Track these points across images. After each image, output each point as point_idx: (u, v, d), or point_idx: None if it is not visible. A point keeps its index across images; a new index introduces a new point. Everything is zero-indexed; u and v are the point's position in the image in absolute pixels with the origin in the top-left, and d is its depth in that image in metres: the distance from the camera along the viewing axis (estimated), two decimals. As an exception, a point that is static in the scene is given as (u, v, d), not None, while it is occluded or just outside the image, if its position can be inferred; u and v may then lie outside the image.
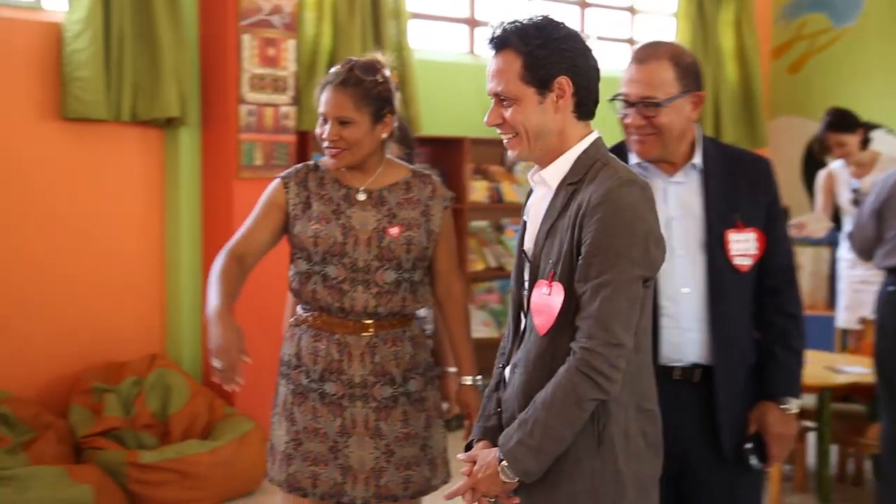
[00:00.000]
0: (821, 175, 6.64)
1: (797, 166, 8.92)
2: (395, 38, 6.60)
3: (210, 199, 5.82)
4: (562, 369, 2.24)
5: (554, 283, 2.31)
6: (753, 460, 2.87)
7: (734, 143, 8.41)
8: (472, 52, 7.46)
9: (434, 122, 6.75)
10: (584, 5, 8.18)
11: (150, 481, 5.00)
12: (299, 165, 3.24)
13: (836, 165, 6.49)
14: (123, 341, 5.69)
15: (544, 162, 2.41)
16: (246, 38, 5.77)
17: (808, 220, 6.63)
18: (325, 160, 3.18)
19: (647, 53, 2.85)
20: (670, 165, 2.88)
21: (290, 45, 5.96)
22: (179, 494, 5.04)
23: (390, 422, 3.11)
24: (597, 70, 2.39)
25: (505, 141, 2.42)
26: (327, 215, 3.10)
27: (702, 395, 2.84)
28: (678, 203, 2.86)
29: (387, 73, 3.12)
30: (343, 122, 3.04)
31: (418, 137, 6.53)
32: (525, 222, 2.50)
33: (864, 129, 6.32)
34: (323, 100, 3.07)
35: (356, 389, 3.09)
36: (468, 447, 2.53)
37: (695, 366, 2.85)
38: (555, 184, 2.38)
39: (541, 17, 2.36)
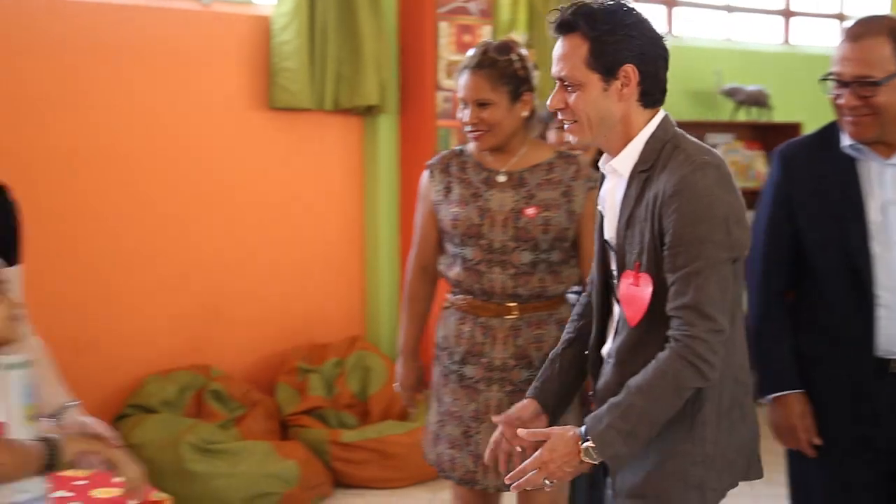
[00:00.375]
0: None
1: None
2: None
3: (408, 185, 5.84)
4: (662, 356, 2.20)
5: (641, 275, 2.27)
6: None
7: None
8: (669, 32, 7.29)
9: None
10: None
11: (352, 460, 5.12)
12: (445, 152, 3.28)
13: None
14: (326, 323, 5.85)
15: (612, 150, 2.35)
16: (443, 26, 5.82)
17: None
18: (472, 145, 3.19)
19: (862, 30, 2.68)
20: (887, 147, 2.72)
21: (486, 31, 5.98)
22: (378, 474, 5.14)
23: None
24: (665, 58, 2.32)
25: (565, 126, 2.36)
26: (466, 198, 3.12)
27: None
28: None
29: (522, 52, 3.11)
30: (482, 104, 3.04)
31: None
32: (601, 213, 2.46)
33: None
34: (461, 84, 3.09)
35: (495, 373, 3.10)
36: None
37: None
38: (626, 172, 2.33)
39: (612, 2, 2.28)
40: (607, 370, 2.40)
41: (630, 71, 2.25)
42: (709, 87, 6.77)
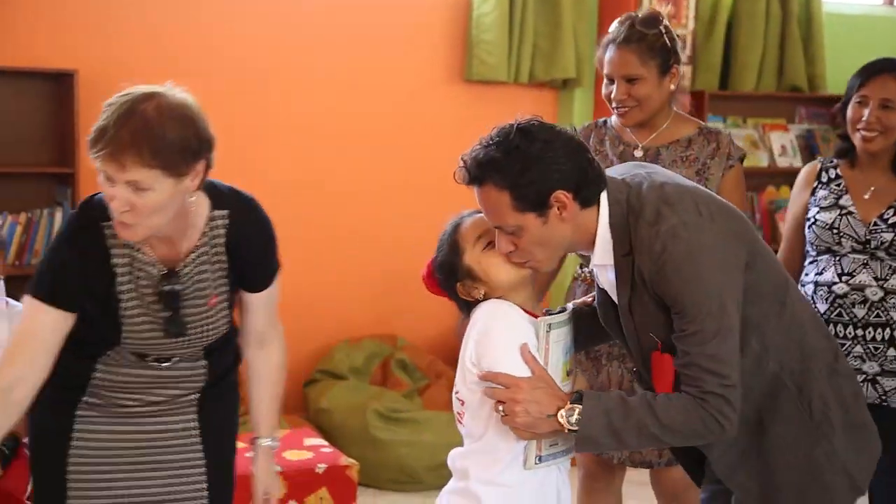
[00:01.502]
0: None
1: None
2: (803, -7, 6.27)
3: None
4: (690, 400, 2.12)
5: (664, 356, 2.19)
6: None
7: None
8: (890, 3, 6.94)
9: (842, 80, 6.35)
10: None
11: None
12: (587, 123, 3.26)
13: None
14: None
15: (584, 250, 2.28)
16: (645, 1, 5.69)
17: None
18: (613, 120, 3.15)
19: None
20: None
21: (691, 1, 5.81)
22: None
23: None
24: (584, 153, 2.19)
25: (522, 263, 2.22)
26: None
27: None
28: None
29: (668, 24, 3.03)
30: (630, 80, 2.98)
31: (824, 96, 6.27)
32: (602, 290, 2.35)
33: None
34: (607, 59, 3.04)
35: (614, 349, 3.06)
36: None
37: None
38: (611, 261, 2.21)
39: (510, 136, 2.14)
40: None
41: (561, 196, 2.13)
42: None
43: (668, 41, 3.01)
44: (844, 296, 3.13)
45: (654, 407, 2.13)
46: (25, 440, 3.52)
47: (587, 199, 2.18)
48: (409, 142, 5.58)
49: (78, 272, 2.33)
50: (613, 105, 3.07)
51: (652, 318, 2.19)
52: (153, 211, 2.21)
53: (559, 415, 2.14)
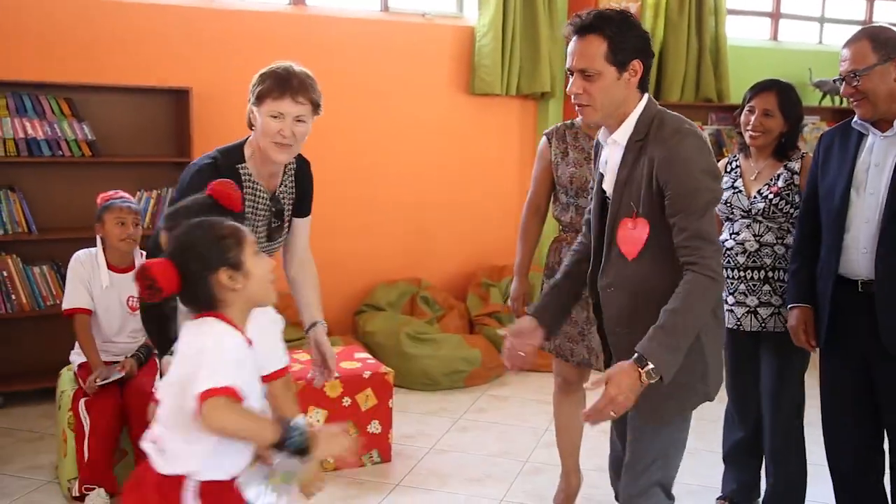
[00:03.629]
0: None
1: None
2: (714, 29, 6.18)
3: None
4: (687, 280, 2.04)
5: (639, 220, 2.12)
6: None
7: None
8: (774, 38, 6.86)
9: (741, 93, 6.29)
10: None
11: None
12: (559, 124, 3.15)
13: None
14: (502, 251, 5.76)
15: (612, 126, 2.18)
16: (601, 33, 5.61)
17: None
18: (580, 120, 3.05)
19: (852, 37, 2.65)
20: (887, 123, 2.62)
21: (633, 36, 5.74)
22: (539, 361, 5.03)
23: None
24: (653, 54, 2.19)
25: (578, 108, 2.16)
26: (580, 161, 3.02)
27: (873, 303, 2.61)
28: (881, 154, 2.63)
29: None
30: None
31: (729, 105, 6.22)
32: (601, 174, 2.27)
33: None
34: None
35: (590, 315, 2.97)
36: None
37: (871, 280, 2.61)
38: (624, 142, 2.16)
39: (620, 10, 2.11)
40: (608, 297, 2.22)
41: (637, 65, 2.12)
42: (802, 81, 6.35)
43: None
44: (730, 249, 3.12)
45: (678, 310, 2.02)
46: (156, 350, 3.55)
47: (643, 84, 2.15)
48: (428, 138, 5.53)
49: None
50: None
51: (637, 192, 2.12)
52: (303, 136, 2.44)
53: (642, 380, 1.99)
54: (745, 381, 3.21)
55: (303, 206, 2.69)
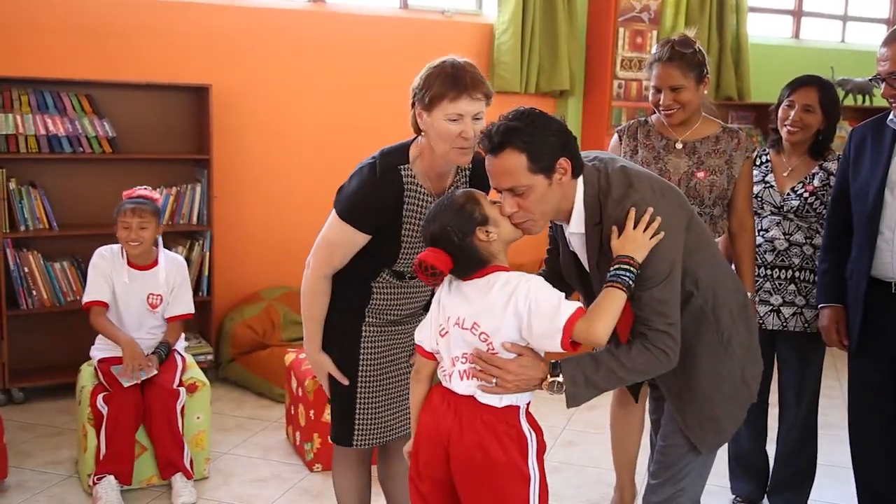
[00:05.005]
0: None
1: None
2: (735, 27, 6.13)
3: (588, 148, 5.67)
4: (636, 348, 1.97)
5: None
6: None
7: None
8: (795, 36, 6.78)
9: (762, 91, 6.25)
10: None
11: None
12: (631, 121, 3.05)
13: None
14: (521, 250, 5.48)
15: (563, 219, 2.08)
16: (621, 30, 5.57)
17: None
18: (654, 118, 2.97)
19: (892, 35, 2.56)
20: None
21: (654, 34, 5.69)
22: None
23: None
24: (575, 138, 2.03)
25: (521, 223, 2.01)
26: (648, 160, 2.91)
27: None
28: None
29: (699, 44, 2.84)
30: (675, 89, 2.80)
31: (749, 104, 6.16)
32: (571, 252, 2.18)
33: None
34: (655, 74, 2.83)
35: None
36: None
37: None
38: (582, 230, 2.06)
39: (525, 112, 1.99)
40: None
41: (564, 163, 1.97)
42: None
43: (700, 58, 2.84)
44: (759, 245, 3.08)
45: (617, 356, 1.98)
46: (175, 346, 3.55)
47: (576, 170, 2.02)
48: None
49: (381, 205, 2.30)
50: (661, 109, 2.88)
51: None
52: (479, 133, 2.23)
53: (544, 385, 1.97)
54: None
55: None
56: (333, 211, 2.35)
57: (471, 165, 2.39)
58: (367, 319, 2.46)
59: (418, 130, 2.34)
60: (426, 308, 2.50)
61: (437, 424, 2.06)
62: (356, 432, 2.52)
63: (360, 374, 2.48)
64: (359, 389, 2.49)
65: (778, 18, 6.75)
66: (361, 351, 2.47)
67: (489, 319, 1.97)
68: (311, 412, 3.58)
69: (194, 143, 4.75)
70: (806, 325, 3.06)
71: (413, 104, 2.31)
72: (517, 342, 1.97)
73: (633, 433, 3.17)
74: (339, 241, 2.35)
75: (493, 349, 1.98)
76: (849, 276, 2.73)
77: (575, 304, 1.93)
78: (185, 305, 3.57)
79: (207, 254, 4.64)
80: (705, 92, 2.88)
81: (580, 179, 2.04)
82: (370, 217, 2.31)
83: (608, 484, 3.39)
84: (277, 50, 4.96)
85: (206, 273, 4.65)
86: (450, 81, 2.21)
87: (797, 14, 6.77)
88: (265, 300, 4.81)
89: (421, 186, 2.34)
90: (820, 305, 2.85)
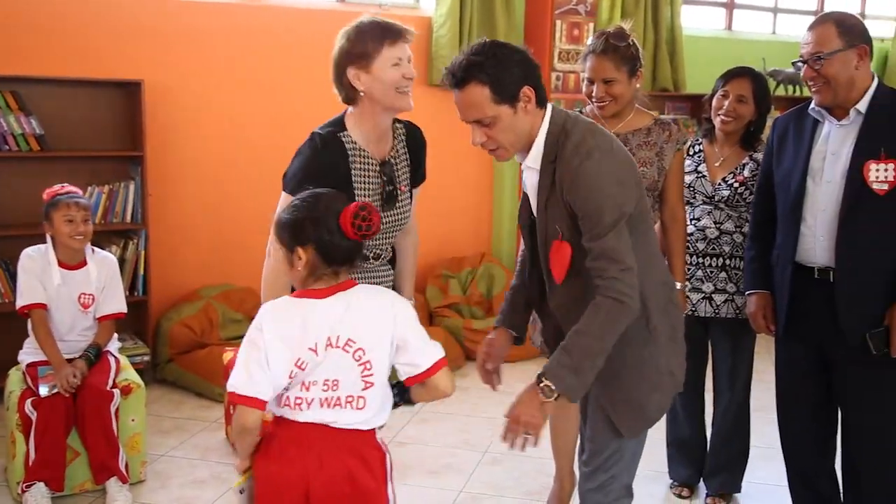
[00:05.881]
0: None
1: None
2: (669, 20, 6.20)
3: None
4: (594, 303, 1.97)
5: (562, 243, 2.06)
6: (874, 346, 2.54)
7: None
8: (728, 28, 6.90)
9: (697, 82, 6.34)
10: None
11: (478, 341, 4.90)
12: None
13: None
14: (463, 242, 5.80)
15: (524, 151, 2.10)
16: (558, 23, 5.60)
17: None
18: (588, 109, 2.97)
19: (816, 20, 2.61)
20: (843, 111, 2.59)
21: (590, 27, 5.73)
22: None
23: None
24: (537, 66, 2.06)
25: (490, 151, 2.09)
26: None
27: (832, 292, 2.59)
28: (837, 142, 2.61)
29: (634, 38, 2.84)
30: (607, 81, 2.81)
31: (684, 95, 6.25)
32: (526, 195, 2.22)
33: None
34: (589, 66, 2.84)
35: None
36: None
37: (828, 268, 2.60)
38: (538, 165, 2.09)
39: (487, 46, 2.02)
40: (563, 314, 2.17)
41: (528, 91, 2.01)
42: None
43: (634, 51, 2.84)
44: (691, 234, 3.12)
45: (579, 329, 1.98)
46: (106, 348, 3.46)
47: (541, 101, 2.05)
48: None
49: (328, 172, 2.29)
50: (594, 101, 2.88)
51: (559, 214, 2.06)
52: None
53: (542, 399, 1.98)
54: (692, 367, 3.22)
55: (418, 173, 2.58)
56: (283, 193, 2.34)
57: (405, 130, 2.50)
58: None
59: (349, 101, 2.40)
60: None
61: (285, 471, 1.89)
62: None
63: None
64: None
65: (711, 11, 6.86)
66: None
67: (367, 337, 1.91)
68: (250, 411, 3.53)
69: (127, 140, 4.64)
70: (737, 311, 3.11)
71: (342, 74, 2.36)
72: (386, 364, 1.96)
73: (571, 423, 3.19)
74: None
75: (369, 370, 1.92)
76: (774, 262, 2.78)
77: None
78: (117, 304, 3.49)
79: (143, 252, 4.54)
80: (638, 85, 2.88)
81: (547, 117, 2.07)
82: (318, 184, 2.28)
83: (549, 474, 3.41)
84: (213, 44, 4.87)
85: (141, 272, 4.55)
86: (381, 32, 2.31)
87: (730, 6, 6.88)
88: (203, 298, 4.73)
89: (364, 150, 2.37)
90: (747, 292, 2.90)
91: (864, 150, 2.52)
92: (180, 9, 4.78)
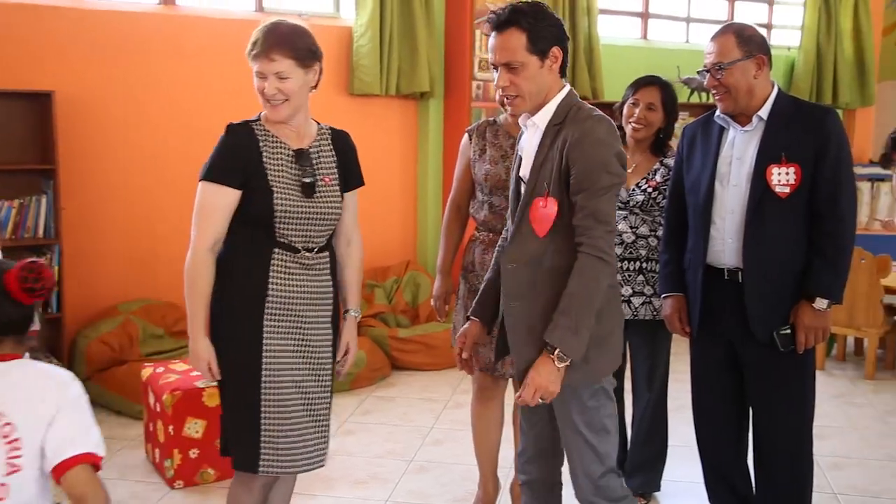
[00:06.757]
0: (894, 178, 5.68)
1: (898, 119, 8.23)
2: (587, 29, 6.32)
3: (449, 149, 5.77)
4: (578, 262, 2.14)
5: (549, 198, 2.20)
6: (781, 344, 2.64)
7: (847, 103, 7.82)
8: (643, 37, 7.07)
9: (614, 90, 6.48)
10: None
11: (405, 350, 5.11)
12: (481, 121, 3.09)
13: None
14: (388, 251, 5.80)
15: (533, 110, 2.26)
16: (478, 33, 5.65)
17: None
18: (503, 117, 3.02)
19: (718, 31, 2.71)
20: (747, 118, 2.69)
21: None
22: (424, 360, 5.13)
23: None
24: (568, 40, 2.27)
25: (507, 100, 2.26)
26: (496, 159, 2.95)
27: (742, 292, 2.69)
28: (742, 147, 2.71)
29: None
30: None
31: (603, 102, 6.37)
32: (520, 156, 2.35)
33: None
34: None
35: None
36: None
37: (737, 269, 2.70)
38: (543, 125, 2.24)
39: (535, 2, 2.22)
40: (509, 274, 2.28)
41: (557, 51, 2.21)
42: (671, 78, 6.56)
43: None
44: (620, 234, 3.20)
45: (571, 294, 2.13)
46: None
47: (564, 68, 2.24)
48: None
49: (239, 155, 2.34)
50: (507, 108, 2.91)
51: (549, 173, 2.20)
52: (294, 90, 2.34)
53: (555, 364, 2.14)
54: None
55: (350, 175, 2.54)
56: (199, 182, 2.35)
57: (330, 132, 2.50)
58: (268, 308, 2.32)
59: None
60: (334, 318, 2.46)
61: None
62: (263, 454, 2.34)
63: (263, 378, 2.32)
64: (263, 399, 2.32)
65: (627, 21, 7.02)
66: (265, 353, 2.31)
67: (18, 413, 1.67)
68: (171, 427, 3.47)
69: (37, 153, 4.50)
70: (654, 313, 3.19)
71: None
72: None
73: (494, 428, 3.23)
74: (211, 205, 2.33)
75: (18, 451, 1.68)
76: (687, 265, 2.87)
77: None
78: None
79: (57, 268, 4.41)
80: None
81: (566, 89, 2.25)
82: (231, 168, 2.34)
83: (474, 480, 3.44)
84: (127, 54, 4.77)
85: (55, 289, 4.42)
86: (256, 41, 2.34)
87: (644, 16, 7.05)
88: (122, 314, 4.62)
89: (276, 138, 2.38)
90: (663, 296, 2.98)
91: (767, 155, 2.62)
92: (93, 18, 4.67)
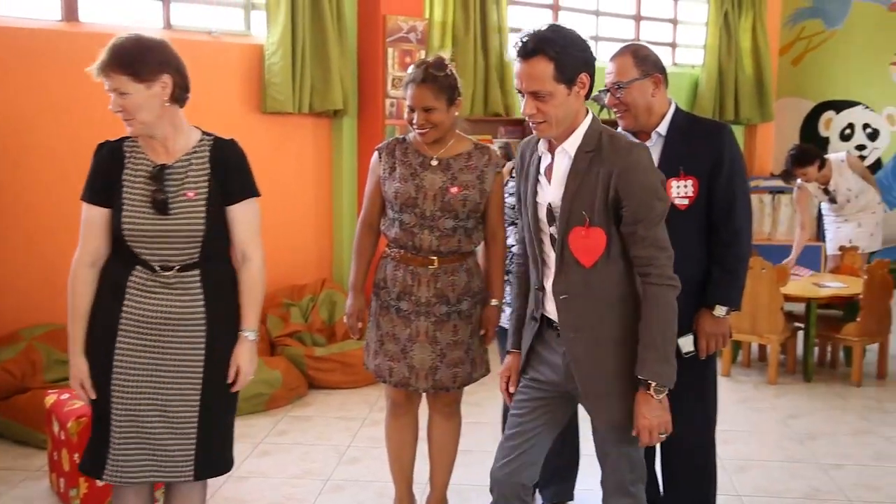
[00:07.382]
0: (795, 192, 6.02)
1: (796, 133, 8.65)
2: (498, 47, 6.44)
3: (363, 167, 5.76)
4: (650, 293, 2.18)
5: (591, 229, 2.19)
6: (685, 349, 2.72)
7: (748, 119, 8.17)
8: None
9: (525, 108, 6.59)
10: (638, 19, 7.87)
11: (322, 369, 5.06)
12: (391, 139, 3.10)
13: (801, 181, 5.82)
14: (303, 269, 5.76)
15: (561, 137, 2.24)
16: (390, 51, 5.70)
17: (793, 264, 5.93)
18: (410, 137, 3.05)
19: (617, 52, 2.79)
20: (645, 135, 2.79)
21: (422, 54, 5.86)
22: (341, 378, 5.09)
23: (444, 332, 3.00)
24: (595, 60, 2.25)
25: (534, 125, 2.22)
26: (406, 176, 2.96)
27: None
28: None
29: (452, 67, 2.95)
30: (427, 110, 2.89)
31: (516, 119, 6.48)
32: (537, 180, 2.32)
33: (820, 159, 5.67)
34: (409, 94, 2.91)
35: (421, 307, 2.99)
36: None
37: None
38: (573, 152, 2.23)
39: (559, 27, 2.17)
40: (565, 305, 2.27)
41: (584, 78, 2.18)
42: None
43: (453, 80, 2.91)
44: (510, 248, 3.25)
45: (652, 324, 2.17)
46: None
47: (590, 91, 2.23)
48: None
49: (102, 173, 2.40)
50: (415, 128, 2.93)
51: (589, 201, 2.18)
52: (138, 106, 2.33)
53: (657, 399, 2.17)
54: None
55: (228, 190, 2.47)
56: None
57: (212, 143, 2.50)
58: (122, 325, 2.36)
59: None
60: (213, 338, 2.42)
61: None
62: (109, 463, 2.39)
63: (113, 387, 2.38)
64: (113, 409, 2.38)
65: (533, 11, 7.13)
66: (115, 367, 2.37)
67: None
68: (76, 455, 3.36)
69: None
70: None
71: None
72: None
73: (408, 444, 3.23)
74: (84, 222, 2.41)
75: None
76: None
77: None
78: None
79: (-47, 293, 4.24)
80: (457, 113, 2.97)
81: (590, 113, 2.24)
82: (96, 186, 2.39)
83: (390, 497, 3.44)
84: (28, 70, 4.63)
85: (-48, 314, 4.24)
86: (98, 60, 2.36)
87: (555, 7, 7.22)
88: (25, 340, 4.46)
89: (143, 154, 2.41)
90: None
91: (666, 169, 2.69)
92: (-10, 34, 4.52)
